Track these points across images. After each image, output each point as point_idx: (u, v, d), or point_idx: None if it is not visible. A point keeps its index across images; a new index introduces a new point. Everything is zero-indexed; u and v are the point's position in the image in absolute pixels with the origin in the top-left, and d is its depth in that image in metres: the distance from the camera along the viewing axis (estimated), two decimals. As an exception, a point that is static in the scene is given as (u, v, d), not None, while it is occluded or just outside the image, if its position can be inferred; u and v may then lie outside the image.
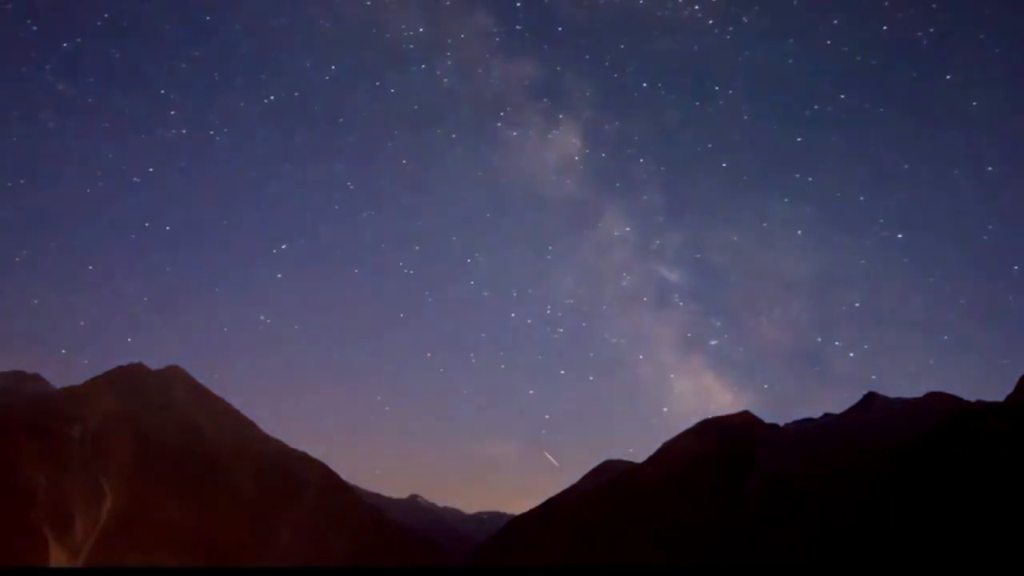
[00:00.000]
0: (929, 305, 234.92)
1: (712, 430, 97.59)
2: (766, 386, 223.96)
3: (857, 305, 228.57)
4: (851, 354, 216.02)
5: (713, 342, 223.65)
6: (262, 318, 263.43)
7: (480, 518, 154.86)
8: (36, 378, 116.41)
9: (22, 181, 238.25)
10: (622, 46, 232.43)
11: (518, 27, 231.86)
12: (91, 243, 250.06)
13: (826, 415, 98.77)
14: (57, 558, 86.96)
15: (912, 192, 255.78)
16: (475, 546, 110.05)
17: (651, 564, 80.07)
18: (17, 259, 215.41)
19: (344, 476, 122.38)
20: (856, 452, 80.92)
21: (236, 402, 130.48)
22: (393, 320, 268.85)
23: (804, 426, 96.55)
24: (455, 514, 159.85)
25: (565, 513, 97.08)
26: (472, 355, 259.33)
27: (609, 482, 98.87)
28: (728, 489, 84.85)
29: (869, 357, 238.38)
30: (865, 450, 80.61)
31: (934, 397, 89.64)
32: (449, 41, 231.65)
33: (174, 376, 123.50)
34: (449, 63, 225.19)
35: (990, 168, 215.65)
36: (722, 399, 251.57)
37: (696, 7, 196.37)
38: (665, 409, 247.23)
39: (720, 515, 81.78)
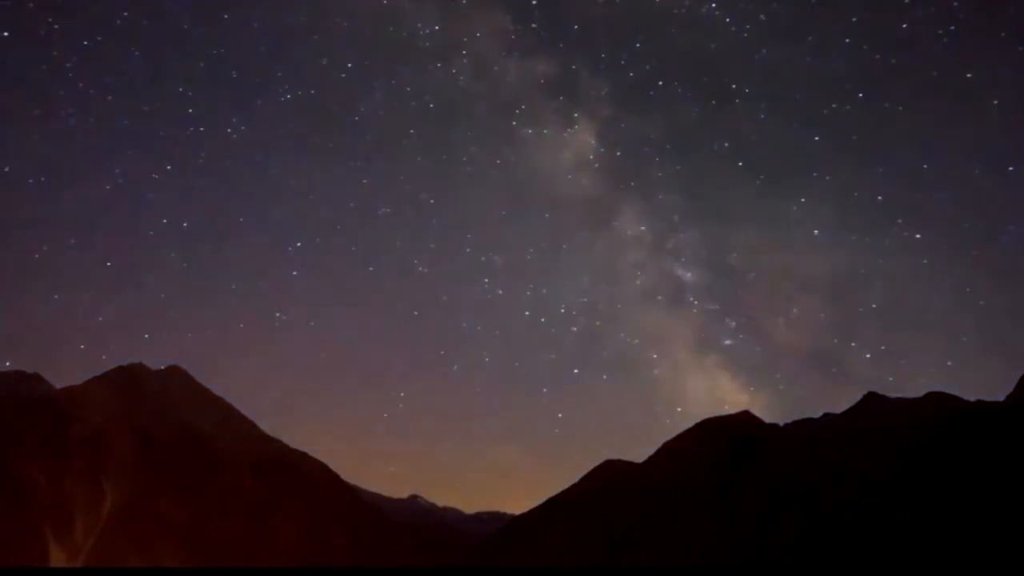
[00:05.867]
0: (948, 306, 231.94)
1: (712, 430, 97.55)
2: (782, 387, 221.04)
3: (874, 306, 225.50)
4: (868, 355, 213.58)
5: (728, 342, 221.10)
6: (278, 314, 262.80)
7: (480, 518, 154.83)
8: (36, 378, 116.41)
9: (43, 179, 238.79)
10: (638, 44, 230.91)
11: (534, 25, 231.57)
12: (110, 241, 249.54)
13: (826, 415, 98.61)
14: (57, 558, 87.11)
15: (931, 192, 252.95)
16: (475, 546, 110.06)
17: (651, 564, 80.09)
18: (37, 256, 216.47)
19: (344, 476, 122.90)
20: (856, 452, 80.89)
21: (241, 401, 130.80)
22: (407, 318, 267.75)
23: (804, 426, 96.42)
24: (455, 514, 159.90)
25: (565, 513, 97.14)
26: (485, 354, 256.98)
27: (609, 482, 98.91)
28: (728, 489, 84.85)
29: (886, 358, 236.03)
30: (865, 450, 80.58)
31: (934, 397, 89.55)
32: (465, 39, 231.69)
33: (174, 376, 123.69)
34: (465, 61, 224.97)
35: (1011, 168, 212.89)
36: (737, 399, 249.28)
37: (713, 5, 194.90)
38: (679, 409, 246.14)
39: (720, 515, 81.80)
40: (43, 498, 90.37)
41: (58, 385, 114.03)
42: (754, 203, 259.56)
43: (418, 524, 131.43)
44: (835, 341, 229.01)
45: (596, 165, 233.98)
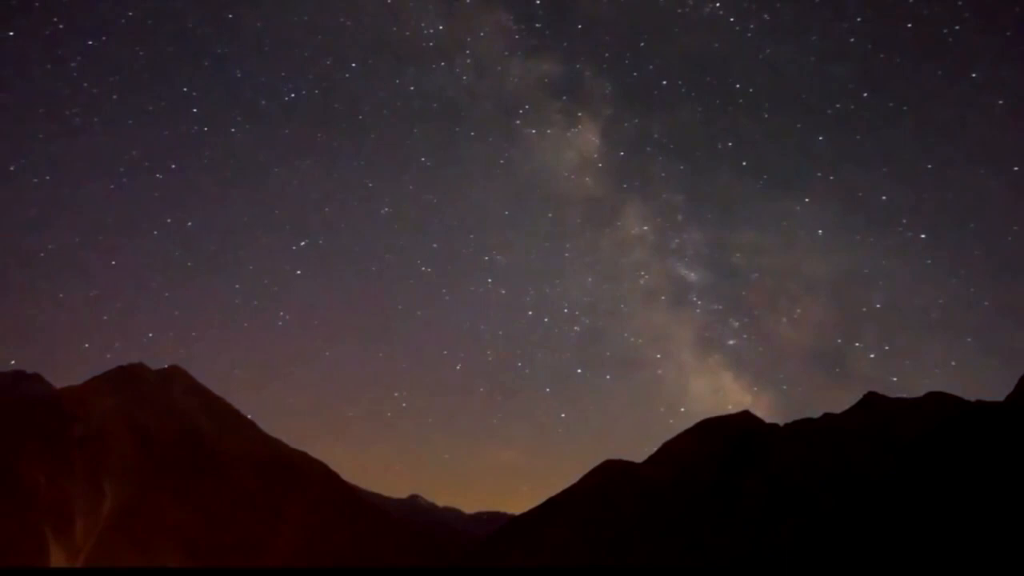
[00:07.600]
0: (952, 307, 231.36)
1: (712, 430, 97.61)
2: (785, 387, 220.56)
3: (878, 306, 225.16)
4: (872, 355, 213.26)
5: (731, 342, 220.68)
6: (281, 313, 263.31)
7: (480, 518, 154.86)
8: (36, 378, 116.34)
9: (47, 178, 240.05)
10: (642, 44, 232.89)
11: (537, 25, 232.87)
12: (113, 240, 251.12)
13: (826, 415, 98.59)
14: (57, 558, 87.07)
15: (936, 192, 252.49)
16: (475, 546, 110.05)
17: (650, 564, 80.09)
18: (42, 254, 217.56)
19: (344, 476, 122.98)
20: (856, 452, 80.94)
21: (241, 401, 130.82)
22: (410, 317, 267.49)
23: (803, 426, 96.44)
24: (455, 514, 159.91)
25: (565, 513, 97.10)
26: (488, 353, 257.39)
27: (609, 482, 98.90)
28: (728, 489, 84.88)
29: (890, 358, 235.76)
30: (865, 450, 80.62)
31: (934, 397, 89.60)
32: (468, 39, 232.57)
33: (174, 376, 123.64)
34: (468, 61, 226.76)
35: (1016, 168, 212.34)
36: (741, 399, 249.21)
37: (717, 4, 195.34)
38: (683, 409, 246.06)
39: (720, 515, 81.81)
40: (43, 498, 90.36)
41: (58, 385, 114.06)
42: (757, 203, 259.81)
43: (418, 524, 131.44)
44: (838, 341, 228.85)
45: (599, 165, 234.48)
